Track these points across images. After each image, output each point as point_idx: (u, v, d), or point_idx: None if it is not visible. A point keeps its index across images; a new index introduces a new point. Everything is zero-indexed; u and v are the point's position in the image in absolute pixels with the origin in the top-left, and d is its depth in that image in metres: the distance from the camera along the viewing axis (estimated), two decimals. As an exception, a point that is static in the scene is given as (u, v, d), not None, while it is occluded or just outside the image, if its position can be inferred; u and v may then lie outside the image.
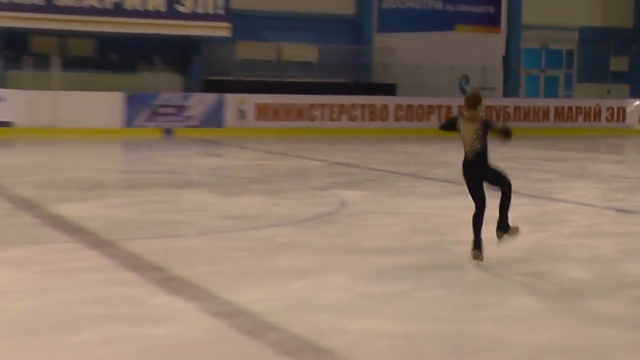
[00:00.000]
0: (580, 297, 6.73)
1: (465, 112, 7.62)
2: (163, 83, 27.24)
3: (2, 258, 7.71)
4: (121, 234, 8.97)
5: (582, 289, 6.98)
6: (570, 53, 35.17)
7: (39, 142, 21.73)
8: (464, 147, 7.68)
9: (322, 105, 27.02)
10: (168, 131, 25.09)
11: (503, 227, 8.02)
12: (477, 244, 7.80)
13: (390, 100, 28.29)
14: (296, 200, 12.00)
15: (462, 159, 7.71)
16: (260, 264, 7.67)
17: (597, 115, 30.63)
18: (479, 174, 7.75)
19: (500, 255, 8.16)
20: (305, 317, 6.02)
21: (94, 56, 27.34)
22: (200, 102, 25.87)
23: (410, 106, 28.23)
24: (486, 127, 7.59)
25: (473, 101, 7.61)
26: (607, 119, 30.63)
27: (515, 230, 8.08)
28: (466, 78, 32.61)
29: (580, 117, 30.44)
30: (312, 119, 26.86)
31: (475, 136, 7.57)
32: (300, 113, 26.76)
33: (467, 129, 7.59)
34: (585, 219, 10.66)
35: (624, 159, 22.71)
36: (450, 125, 7.81)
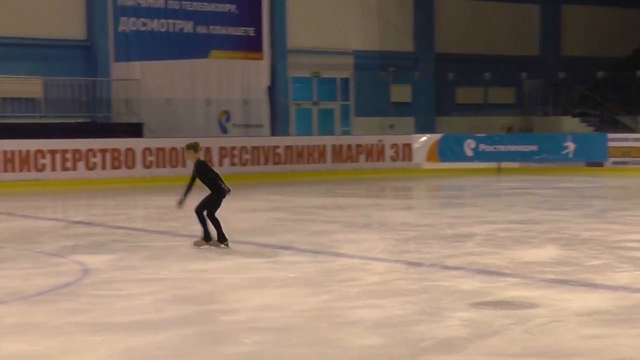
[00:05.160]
0: (372, 366, 7.00)
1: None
2: None
3: None
4: None
5: (373, 358, 7.26)
6: (345, 82, 36.48)
7: None
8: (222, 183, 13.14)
9: (52, 152, 26.53)
10: None
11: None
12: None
13: (136, 143, 28.17)
14: (25, 270, 11.74)
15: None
16: (-16, 353, 7.48)
17: (381, 153, 31.93)
18: None
19: (278, 322, 8.36)
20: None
21: None
22: None
23: (161, 149, 28.24)
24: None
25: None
26: (391, 158, 31.97)
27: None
28: (226, 114, 33.04)
29: (362, 157, 31.61)
30: (39, 168, 26.31)
31: None
32: (24, 162, 26.13)
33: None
34: (373, 275, 11.08)
35: (412, 204, 23.77)
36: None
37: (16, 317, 8.83)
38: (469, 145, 32.10)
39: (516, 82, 37.33)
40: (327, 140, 31.78)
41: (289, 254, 12.68)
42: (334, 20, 35.65)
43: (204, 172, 13.19)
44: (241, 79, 33.41)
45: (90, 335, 8.03)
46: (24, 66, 29.31)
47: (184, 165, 28.38)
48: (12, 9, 29.72)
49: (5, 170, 25.88)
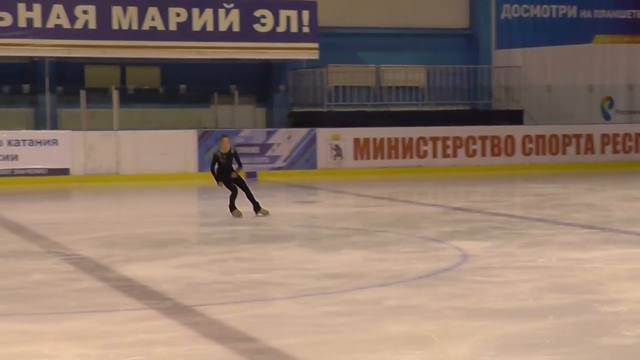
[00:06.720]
0: None
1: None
2: (242, 117, 27.73)
3: (65, 330, 7.95)
4: (200, 298, 9.16)
5: None
6: None
7: (98, 192, 22.30)
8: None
9: (434, 139, 27.08)
10: (250, 174, 25.45)
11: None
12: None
13: (516, 130, 28.17)
14: (406, 254, 12.05)
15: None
16: (366, 333, 7.73)
17: None
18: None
19: (659, 317, 8.10)
20: (424, 395, 6.04)
21: (159, 88, 27.99)
22: (287, 139, 26.19)
23: (541, 136, 28.05)
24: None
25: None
26: None
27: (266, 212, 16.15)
28: (610, 100, 32.24)
29: None
30: (422, 155, 26.92)
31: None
32: (408, 149, 26.86)
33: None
34: None
35: None
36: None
37: (397, 300, 9.07)
38: None
39: None
40: None
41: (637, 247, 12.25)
42: None
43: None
44: (626, 63, 32.52)
45: (468, 320, 8.11)
46: (410, 55, 30.06)
47: (564, 153, 28.08)
48: (398, 1, 30.56)
49: (389, 157, 26.71)
